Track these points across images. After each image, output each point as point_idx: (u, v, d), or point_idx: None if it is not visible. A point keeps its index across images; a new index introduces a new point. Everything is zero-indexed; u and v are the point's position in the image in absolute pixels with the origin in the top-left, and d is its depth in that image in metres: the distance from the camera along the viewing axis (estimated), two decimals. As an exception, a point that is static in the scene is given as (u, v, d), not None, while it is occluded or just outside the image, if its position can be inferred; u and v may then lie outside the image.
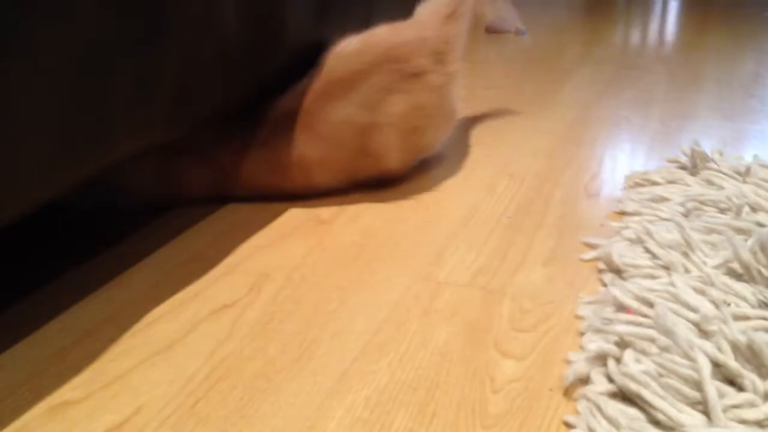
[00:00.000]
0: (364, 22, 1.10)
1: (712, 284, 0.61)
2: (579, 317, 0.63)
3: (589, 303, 0.65)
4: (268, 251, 0.76)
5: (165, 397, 0.54)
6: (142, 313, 0.65)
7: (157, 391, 0.55)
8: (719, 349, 0.52)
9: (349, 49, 0.89)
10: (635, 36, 1.97)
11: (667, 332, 0.54)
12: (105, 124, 0.62)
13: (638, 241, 0.71)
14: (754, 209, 0.75)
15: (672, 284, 0.61)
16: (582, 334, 0.61)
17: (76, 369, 0.58)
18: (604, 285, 0.67)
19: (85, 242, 0.78)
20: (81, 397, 0.55)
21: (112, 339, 0.61)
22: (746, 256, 0.62)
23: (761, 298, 0.59)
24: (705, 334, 0.55)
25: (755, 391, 0.50)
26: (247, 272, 0.72)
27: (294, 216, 0.84)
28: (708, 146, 0.94)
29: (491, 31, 1.97)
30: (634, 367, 0.52)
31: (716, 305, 0.58)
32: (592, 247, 0.75)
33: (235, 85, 0.80)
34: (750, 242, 0.64)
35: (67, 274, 0.71)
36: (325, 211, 0.85)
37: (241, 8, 0.76)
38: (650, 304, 0.59)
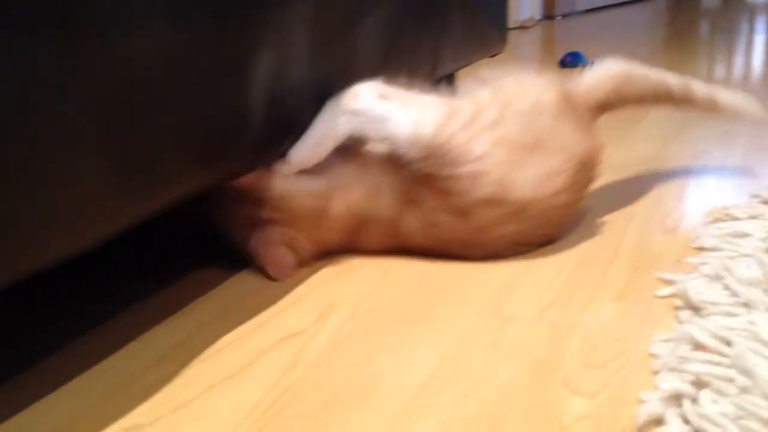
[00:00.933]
0: (432, 57, 1.11)
1: (797, 323, 0.58)
2: (653, 355, 0.61)
3: (664, 341, 0.62)
4: (337, 281, 0.77)
5: (229, 425, 0.55)
6: (211, 341, 0.66)
7: (221, 419, 0.55)
8: (803, 391, 0.49)
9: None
10: (718, 69, 1.92)
11: (747, 372, 0.51)
12: (160, 162, 0.63)
13: (717, 277, 0.69)
14: (843, 246, 0.71)
15: (752, 322, 0.58)
16: (656, 372, 0.58)
17: (145, 394, 0.59)
18: (680, 322, 0.65)
19: (155, 270, 0.80)
20: (149, 422, 0.55)
21: (181, 365, 0.62)
22: (834, 294, 0.59)
23: None
24: (788, 375, 0.52)
25: (844, 438, 0.47)
26: (315, 301, 0.72)
27: (362, 248, 0.84)
28: (793, 180, 0.90)
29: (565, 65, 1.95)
30: (711, 408, 0.50)
31: (801, 345, 0.55)
32: (668, 282, 0.73)
33: (301, 124, 0.82)
34: (838, 280, 0.61)
35: (140, 301, 0.73)
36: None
37: (311, 50, 0.78)
38: (728, 343, 0.56)
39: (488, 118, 0.78)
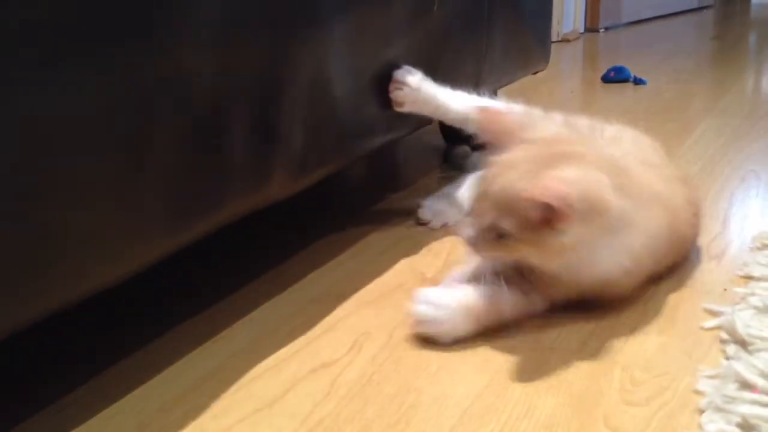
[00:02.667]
0: (474, 76, 1.10)
1: None
2: (698, 392, 0.59)
3: (710, 377, 0.60)
4: (371, 309, 0.76)
5: (261, 458, 0.54)
6: (245, 370, 0.65)
7: (253, 451, 0.55)
8: None
9: None
10: (766, 85, 1.87)
11: (798, 417, 0.49)
12: (218, 182, 0.64)
13: (766, 309, 0.66)
14: None
15: (804, 361, 0.56)
16: (701, 411, 0.56)
17: (179, 424, 0.58)
18: (727, 358, 0.62)
19: (189, 297, 0.80)
20: (181, 453, 0.55)
21: (214, 395, 0.62)
22: None
23: None
24: (842, 420, 0.50)
25: None
26: (349, 330, 0.72)
27: (397, 273, 0.83)
28: None
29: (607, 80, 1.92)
30: (759, 454, 0.48)
31: None
32: (713, 314, 0.70)
33: (350, 143, 0.81)
34: None
35: (173, 329, 0.73)
36: (429, 268, 0.84)
37: (350, 65, 0.78)
38: (778, 383, 0.54)
39: None
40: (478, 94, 0.92)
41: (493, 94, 0.94)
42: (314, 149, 0.76)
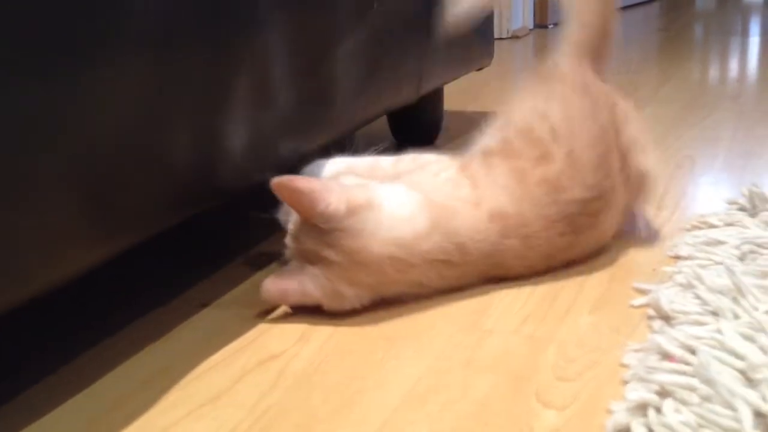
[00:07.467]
0: (416, 75, 1.12)
1: (763, 330, 0.59)
2: (624, 365, 0.62)
3: (636, 351, 0.63)
4: (318, 302, 0.78)
5: (208, 448, 0.56)
6: (193, 366, 0.67)
7: (201, 442, 0.57)
8: (763, 398, 0.50)
9: None
10: (710, 74, 1.93)
11: (709, 381, 0.52)
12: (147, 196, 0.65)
13: (689, 286, 0.70)
14: (814, 250, 0.72)
15: (719, 331, 0.59)
16: (626, 383, 0.59)
17: (127, 421, 0.60)
18: (653, 332, 0.66)
19: (140, 296, 0.81)
20: (131, 447, 0.57)
21: (163, 391, 0.63)
22: (800, 300, 0.60)
23: (815, 344, 0.56)
24: (751, 382, 0.53)
25: (802, 443, 0.48)
26: (296, 323, 0.74)
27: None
28: (772, 185, 0.91)
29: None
30: (674, 417, 0.51)
31: (765, 352, 0.56)
32: (642, 292, 0.74)
33: (286, 150, 0.83)
34: (805, 286, 0.62)
35: (125, 326, 0.75)
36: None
37: (291, 74, 0.80)
38: (694, 352, 0.57)
39: None
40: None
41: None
42: (256, 156, 0.78)
